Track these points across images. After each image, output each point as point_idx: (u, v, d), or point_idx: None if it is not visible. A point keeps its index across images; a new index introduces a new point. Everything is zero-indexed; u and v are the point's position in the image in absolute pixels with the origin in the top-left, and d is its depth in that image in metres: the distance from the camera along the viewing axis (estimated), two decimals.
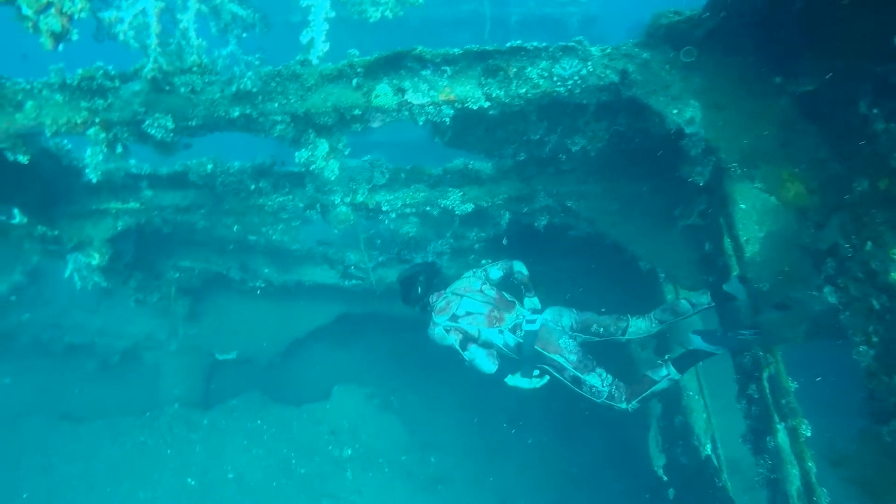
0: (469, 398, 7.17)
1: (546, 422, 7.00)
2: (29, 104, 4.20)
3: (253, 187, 5.38)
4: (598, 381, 4.56)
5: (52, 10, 2.93)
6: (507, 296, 5.06)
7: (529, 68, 4.12)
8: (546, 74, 4.11)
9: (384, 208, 5.44)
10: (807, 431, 4.00)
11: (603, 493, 6.47)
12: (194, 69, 3.88)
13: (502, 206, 5.39)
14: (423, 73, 4.21)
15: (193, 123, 4.27)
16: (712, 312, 4.81)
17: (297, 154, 4.48)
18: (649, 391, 4.53)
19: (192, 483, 6.81)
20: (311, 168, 4.49)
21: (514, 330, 4.79)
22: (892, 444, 2.96)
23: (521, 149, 4.90)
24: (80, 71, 4.07)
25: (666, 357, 4.82)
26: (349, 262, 6.33)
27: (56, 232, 5.42)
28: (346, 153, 4.62)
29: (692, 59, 3.95)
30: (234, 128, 4.41)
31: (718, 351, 4.36)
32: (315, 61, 3.76)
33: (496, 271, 5.19)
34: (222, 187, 5.32)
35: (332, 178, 4.65)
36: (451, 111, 4.25)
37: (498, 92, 4.16)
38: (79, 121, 4.17)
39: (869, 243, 3.14)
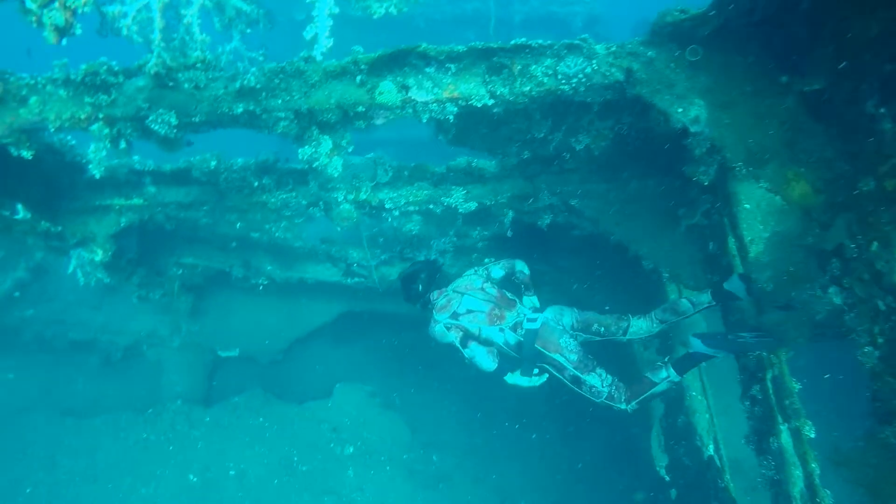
0: (471, 397, 7.16)
1: (548, 421, 6.99)
2: (33, 99, 4.20)
3: (256, 184, 5.38)
4: (598, 382, 4.56)
5: (56, 5, 2.93)
6: (509, 294, 5.05)
7: (534, 66, 4.11)
8: (551, 72, 4.10)
9: (387, 206, 5.43)
10: (810, 433, 3.98)
11: (604, 493, 6.46)
12: (198, 65, 3.88)
13: (506, 205, 5.37)
14: (428, 70, 4.20)
15: (197, 119, 4.27)
16: (716, 313, 4.80)
17: (300, 151, 4.48)
18: (649, 393, 4.52)
19: (194, 479, 6.82)
20: (314, 165, 4.49)
21: (514, 328, 4.78)
22: None
23: (525, 147, 4.89)
24: (83, 66, 4.08)
25: (666, 359, 4.80)
26: (352, 260, 6.32)
27: (59, 228, 5.41)
28: (350, 150, 4.61)
29: (698, 57, 3.94)
30: (237, 124, 4.41)
31: (718, 355, 4.34)
32: (319, 57, 3.76)
33: (498, 270, 5.18)
34: (225, 184, 5.32)
35: (336, 175, 4.65)
36: (455, 109, 4.24)
37: (502, 89, 4.15)
38: (82, 116, 4.17)
39: (875, 244, 3.12)
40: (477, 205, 5.36)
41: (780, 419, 4.10)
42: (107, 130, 4.19)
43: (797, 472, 4.00)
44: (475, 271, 5.22)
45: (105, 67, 4.09)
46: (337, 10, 3.49)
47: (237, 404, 7.30)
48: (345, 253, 6.34)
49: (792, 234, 3.95)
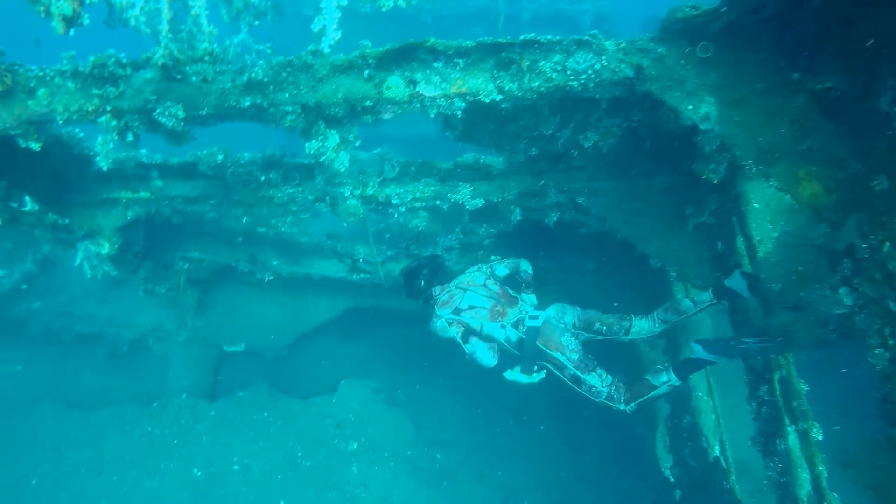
0: (475, 394, 7.15)
1: (552, 419, 6.97)
2: (41, 91, 4.20)
3: (263, 178, 5.37)
4: (598, 382, 4.56)
5: None
6: (511, 291, 5.04)
7: (543, 62, 4.08)
8: (559, 68, 4.07)
9: (394, 202, 5.42)
10: (818, 435, 3.95)
11: (608, 492, 6.43)
12: (205, 58, 3.87)
13: (513, 202, 5.35)
14: (436, 65, 4.17)
15: (204, 112, 4.26)
16: (724, 313, 4.76)
17: (307, 145, 4.46)
18: (648, 395, 4.51)
19: (198, 473, 6.83)
20: (321, 159, 4.48)
21: (516, 325, 4.77)
22: None
23: (533, 144, 4.86)
24: (91, 58, 4.07)
25: (666, 362, 4.78)
26: (358, 256, 6.31)
27: (67, 220, 5.43)
28: (357, 145, 4.60)
29: (708, 54, 3.90)
30: (244, 118, 4.40)
31: (720, 361, 4.31)
32: (327, 49, 3.74)
33: (502, 269, 5.18)
34: (232, 178, 5.31)
35: (342, 170, 4.64)
36: (463, 104, 4.22)
37: (510, 85, 4.13)
38: (90, 108, 4.17)
39: (887, 244, 3.08)
40: (484, 201, 5.34)
41: (787, 420, 4.07)
42: (114, 123, 4.18)
43: (804, 475, 3.97)
44: (479, 268, 5.21)
45: (113, 59, 4.08)
46: (345, 3, 3.47)
47: (242, 399, 7.31)
48: (351, 249, 6.34)
49: (802, 233, 3.91)
